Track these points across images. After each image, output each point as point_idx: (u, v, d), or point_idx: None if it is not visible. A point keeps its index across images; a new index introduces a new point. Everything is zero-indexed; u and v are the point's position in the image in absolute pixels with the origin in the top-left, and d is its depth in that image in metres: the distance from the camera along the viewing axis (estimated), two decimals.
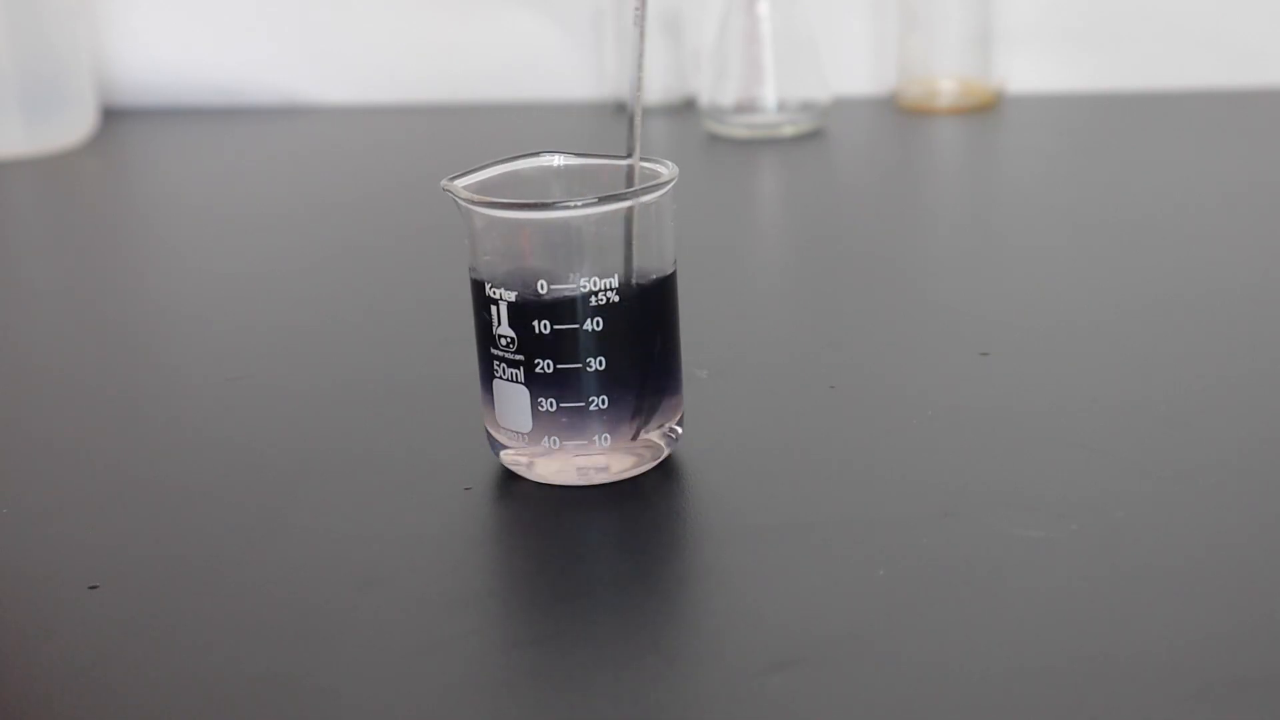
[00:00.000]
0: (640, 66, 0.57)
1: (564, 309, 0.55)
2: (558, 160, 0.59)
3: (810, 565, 0.51)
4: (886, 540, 0.53)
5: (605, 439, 0.56)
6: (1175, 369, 0.67)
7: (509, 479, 0.58)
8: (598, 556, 0.54)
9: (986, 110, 1.23)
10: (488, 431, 0.59)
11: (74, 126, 1.27)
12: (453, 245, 0.59)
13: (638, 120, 0.56)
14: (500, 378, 0.57)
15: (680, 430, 0.59)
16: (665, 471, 0.58)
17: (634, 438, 0.57)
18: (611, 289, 0.55)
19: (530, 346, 0.55)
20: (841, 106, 1.22)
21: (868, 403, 0.65)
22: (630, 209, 0.55)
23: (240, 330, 0.80)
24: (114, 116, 1.35)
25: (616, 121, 1.27)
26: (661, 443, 0.58)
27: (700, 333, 0.69)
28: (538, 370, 0.55)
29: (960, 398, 0.64)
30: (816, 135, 1.17)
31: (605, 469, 0.57)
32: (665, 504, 0.57)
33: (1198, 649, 0.46)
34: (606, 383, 0.55)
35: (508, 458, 0.58)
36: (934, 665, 0.45)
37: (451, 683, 0.46)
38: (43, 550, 0.56)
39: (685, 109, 1.28)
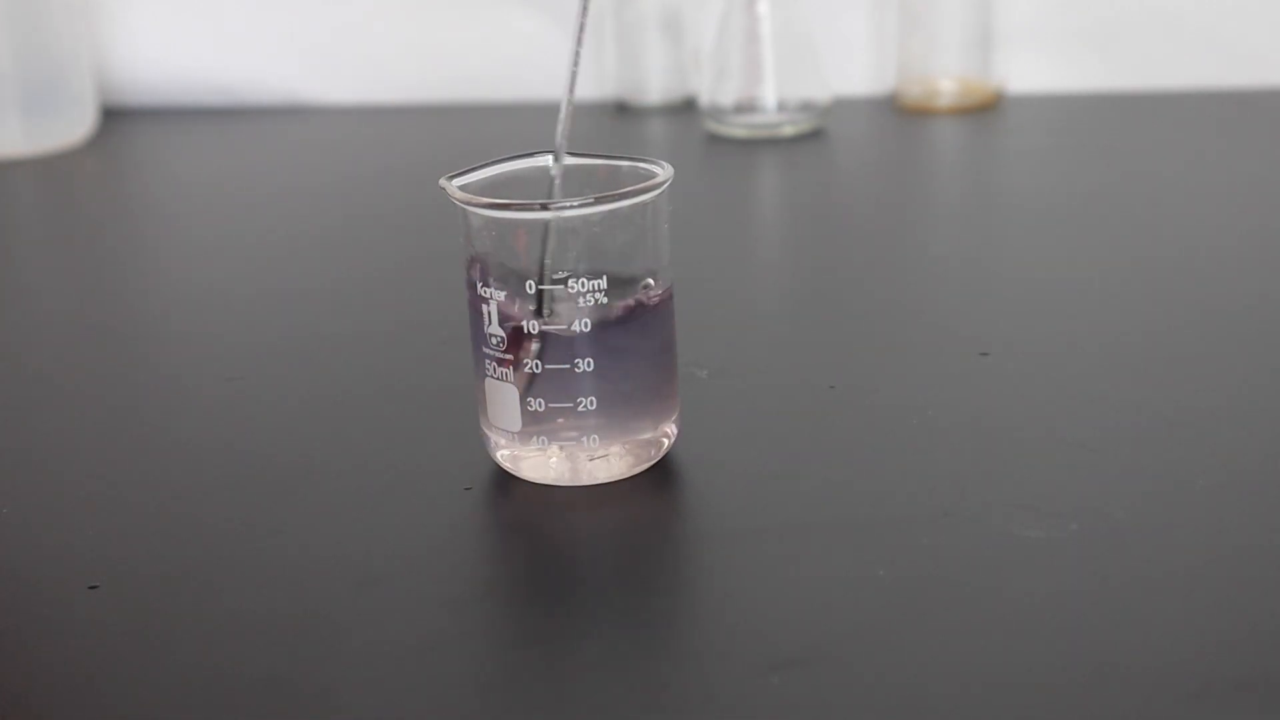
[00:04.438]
0: (576, 63, 0.56)
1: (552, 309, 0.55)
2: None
3: (810, 565, 0.51)
4: (886, 540, 0.53)
5: (594, 439, 0.56)
6: (1175, 368, 0.67)
7: (509, 479, 0.58)
8: (598, 556, 0.54)
9: (986, 110, 1.23)
10: (482, 430, 0.59)
11: (74, 126, 1.27)
12: (452, 244, 0.59)
13: (566, 118, 0.56)
14: (491, 376, 0.57)
15: (676, 431, 0.59)
16: (665, 472, 0.58)
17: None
18: (600, 290, 0.55)
19: (519, 346, 0.55)
20: (841, 106, 1.22)
21: (867, 402, 0.65)
22: (546, 224, 0.55)
23: (239, 329, 0.80)
24: (114, 116, 1.35)
25: (617, 121, 1.27)
26: (658, 443, 0.58)
27: (699, 333, 0.69)
28: (526, 370, 0.55)
29: (960, 398, 0.64)
30: (816, 135, 1.17)
31: (596, 469, 0.57)
32: (665, 504, 0.57)
33: (1198, 649, 0.46)
34: (595, 383, 0.55)
35: (500, 456, 0.58)
36: (934, 665, 0.45)
37: (451, 683, 0.46)
38: (43, 550, 0.56)
39: (685, 109, 1.28)
